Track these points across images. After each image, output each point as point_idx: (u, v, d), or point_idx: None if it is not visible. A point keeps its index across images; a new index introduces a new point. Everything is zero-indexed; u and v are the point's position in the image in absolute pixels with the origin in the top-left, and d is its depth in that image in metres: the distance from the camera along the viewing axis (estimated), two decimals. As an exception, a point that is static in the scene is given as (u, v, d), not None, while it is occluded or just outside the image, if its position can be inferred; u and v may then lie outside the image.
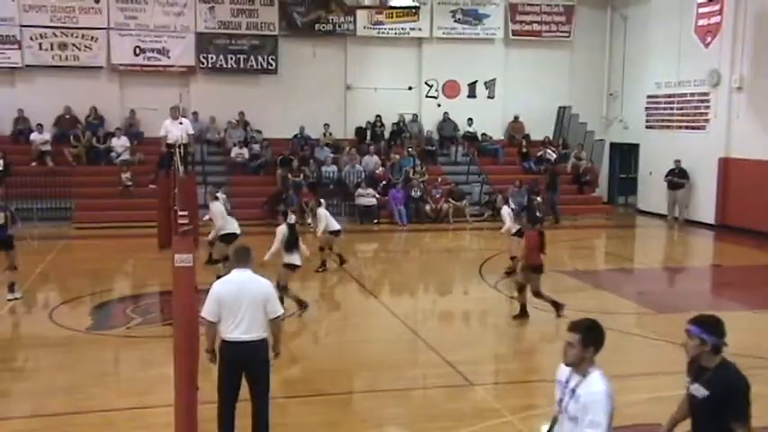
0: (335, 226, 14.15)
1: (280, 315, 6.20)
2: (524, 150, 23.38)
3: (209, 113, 22.18)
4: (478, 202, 21.48)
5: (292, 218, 11.16)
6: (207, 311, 6.05)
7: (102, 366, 9.00)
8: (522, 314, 10.75)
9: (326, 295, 13.05)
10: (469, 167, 22.74)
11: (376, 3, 22.93)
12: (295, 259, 10.76)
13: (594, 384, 4.09)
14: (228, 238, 12.86)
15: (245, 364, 6.08)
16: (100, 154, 20.94)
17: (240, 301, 5.99)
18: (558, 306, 10.73)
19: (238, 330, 5.97)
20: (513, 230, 13.50)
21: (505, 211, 13.85)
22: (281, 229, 10.81)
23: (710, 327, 4.33)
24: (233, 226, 13.32)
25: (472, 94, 24.30)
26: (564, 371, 4.28)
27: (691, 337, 4.33)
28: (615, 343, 10.23)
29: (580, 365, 4.15)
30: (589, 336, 4.15)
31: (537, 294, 10.66)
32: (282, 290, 10.60)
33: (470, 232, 20.10)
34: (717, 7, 19.51)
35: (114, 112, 21.79)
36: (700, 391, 4.35)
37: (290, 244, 10.72)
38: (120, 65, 21.67)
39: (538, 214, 20.62)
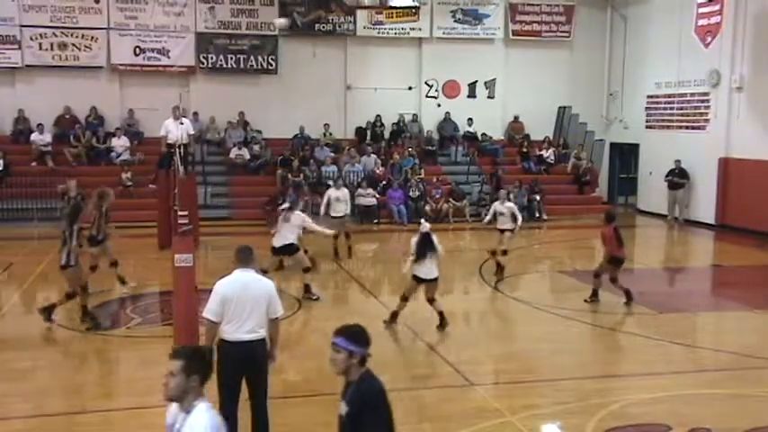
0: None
1: (280, 316, 6.18)
2: (524, 150, 23.39)
3: (209, 113, 22.17)
4: (477, 202, 21.48)
5: (426, 226, 10.26)
6: (210, 312, 5.99)
7: (102, 366, 9.00)
8: (594, 297, 11.71)
9: (326, 295, 13.03)
10: (469, 167, 22.74)
11: (376, 3, 22.92)
12: (421, 271, 10.05)
13: (196, 420, 3.58)
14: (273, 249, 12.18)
15: (248, 363, 6.06)
16: (100, 154, 20.95)
17: (245, 301, 5.97)
18: (629, 295, 11.59)
19: (242, 330, 5.95)
20: (518, 226, 13.69)
21: (514, 208, 13.87)
22: (413, 240, 10.18)
23: (357, 337, 4.07)
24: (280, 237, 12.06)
25: (472, 94, 24.30)
26: (173, 411, 3.72)
27: (338, 350, 4.04)
28: (615, 343, 10.28)
29: (184, 399, 3.64)
30: (193, 363, 3.66)
31: (614, 281, 11.59)
32: (401, 300, 10.32)
33: (470, 232, 20.09)
34: (717, 7, 19.50)
35: (114, 112, 21.79)
36: (343, 408, 4.03)
37: (420, 254, 10.01)
38: (120, 65, 21.67)
39: (537, 214, 21.00)
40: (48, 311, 10.18)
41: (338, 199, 15.37)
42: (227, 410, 6.13)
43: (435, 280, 10.15)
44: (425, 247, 9.97)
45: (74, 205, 10.69)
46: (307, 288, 12.06)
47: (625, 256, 11.76)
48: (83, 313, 10.33)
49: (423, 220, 10.50)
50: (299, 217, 12.19)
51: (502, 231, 13.79)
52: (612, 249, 11.48)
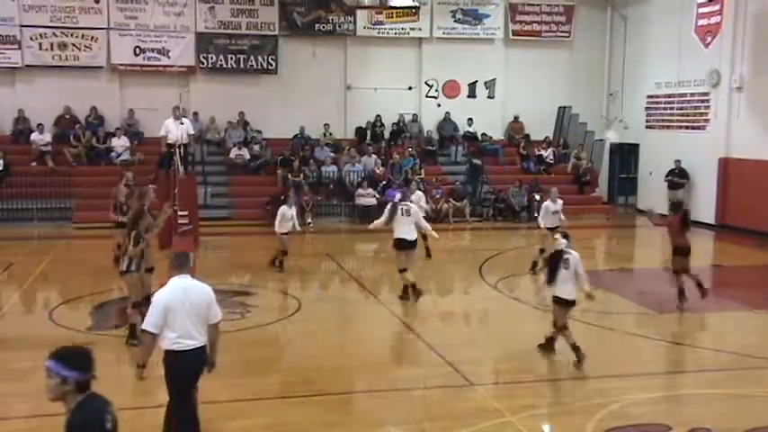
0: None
1: (219, 321, 6.07)
2: (524, 152, 23.38)
3: (209, 113, 22.16)
4: (480, 202, 21.52)
5: (562, 243, 8.84)
6: (151, 323, 5.79)
7: (102, 366, 8.93)
8: (682, 297, 11.50)
9: (326, 295, 13.04)
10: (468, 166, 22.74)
11: (376, 3, 22.94)
12: (562, 291, 8.73)
13: None
14: (395, 243, 11.59)
15: (195, 370, 5.96)
16: (100, 154, 20.94)
17: (187, 308, 5.84)
18: (703, 288, 11.47)
19: (188, 338, 5.83)
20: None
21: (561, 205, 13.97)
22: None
23: (72, 361, 3.67)
24: (399, 231, 11.54)
25: (472, 94, 24.29)
26: None
27: (50, 375, 3.65)
28: (615, 343, 10.27)
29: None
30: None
31: (685, 271, 11.38)
32: (560, 330, 8.91)
33: (470, 232, 20.10)
34: (717, 7, 19.51)
35: (114, 113, 21.79)
36: None
37: (551, 275, 8.77)
38: (120, 65, 21.66)
39: (535, 214, 20.95)
40: (130, 333, 9.55)
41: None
42: (188, 412, 6.00)
43: (572, 303, 8.85)
44: (557, 267, 8.70)
45: (135, 212, 10.47)
46: (415, 289, 11.54)
47: (688, 243, 11.44)
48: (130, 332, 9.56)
49: (558, 236, 9.01)
50: (417, 210, 12.01)
51: (551, 230, 13.70)
52: (676, 238, 11.34)
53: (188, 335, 5.83)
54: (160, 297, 5.90)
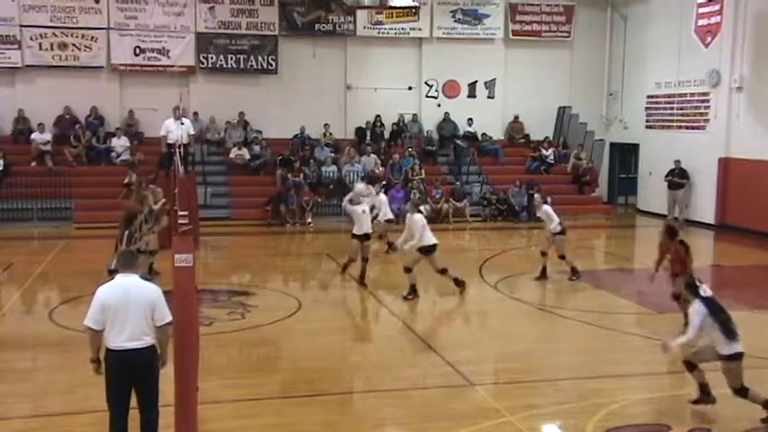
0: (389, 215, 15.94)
1: (167, 322, 5.96)
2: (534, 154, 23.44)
3: (209, 113, 22.16)
4: (479, 202, 21.53)
5: (705, 287, 7.33)
6: (90, 319, 5.82)
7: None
8: None
9: (327, 295, 13.04)
10: (469, 167, 22.74)
11: (376, 3, 22.94)
12: (724, 348, 7.19)
13: None
14: (429, 249, 12.02)
15: (133, 372, 5.90)
16: (100, 154, 20.94)
17: (126, 307, 5.79)
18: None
19: (124, 338, 5.77)
20: (559, 229, 13.17)
21: (550, 209, 13.35)
22: (700, 310, 7.12)
23: None
24: (431, 237, 12.09)
25: (472, 94, 24.29)
26: None
27: None
28: (615, 343, 10.27)
29: None
30: None
31: (678, 298, 10.28)
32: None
33: (470, 232, 20.09)
34: (717, 7, 19.51)
35: (114, 113, 21.78)
36: None
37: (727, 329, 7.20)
38: (120, 65, 21.66)
39: (537, 213, 20.92)
40: None
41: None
42: (117, 425, 5.98)
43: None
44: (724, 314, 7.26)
45: (128, 213, 10.37)
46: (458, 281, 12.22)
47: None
48: None
49: (700, 283, 7.38)
50: None
51: (554, 234, 13.37)
52: (685, 263, 10.12)
53: (126, 335, 5.77)
54: (99, 293, 5.89)
